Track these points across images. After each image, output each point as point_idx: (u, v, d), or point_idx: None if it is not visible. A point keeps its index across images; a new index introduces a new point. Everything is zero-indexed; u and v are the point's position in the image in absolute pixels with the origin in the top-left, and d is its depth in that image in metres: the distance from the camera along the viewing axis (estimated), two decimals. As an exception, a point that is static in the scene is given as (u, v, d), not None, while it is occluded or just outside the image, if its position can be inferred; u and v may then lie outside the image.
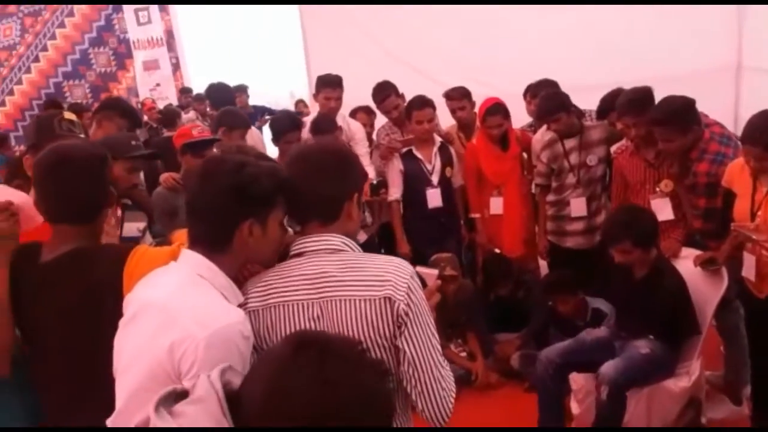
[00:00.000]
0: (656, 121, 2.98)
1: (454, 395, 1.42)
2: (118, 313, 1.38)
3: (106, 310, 1.39)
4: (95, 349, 1.39)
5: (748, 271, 2.77)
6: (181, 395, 1.03)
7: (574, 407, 3.16)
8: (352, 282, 1.35)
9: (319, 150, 1.50)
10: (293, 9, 5.14)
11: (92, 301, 1.55)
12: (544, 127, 3.83)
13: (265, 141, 5.32)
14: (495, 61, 4.81)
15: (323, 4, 5.00)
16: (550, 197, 3.82)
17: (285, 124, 3.83)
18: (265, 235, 1.38)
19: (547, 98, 3.70)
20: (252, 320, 1.37)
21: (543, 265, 4.18)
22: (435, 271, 1.67)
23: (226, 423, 0.96)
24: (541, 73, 4.20)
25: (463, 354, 3.89)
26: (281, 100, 8.22)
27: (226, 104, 4.81)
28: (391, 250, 4.13)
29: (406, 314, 1.33)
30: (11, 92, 9.60)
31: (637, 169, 3.33)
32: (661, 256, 2.99)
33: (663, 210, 3.21)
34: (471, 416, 3.33)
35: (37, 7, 9.37)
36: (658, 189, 3.24)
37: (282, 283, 1.39)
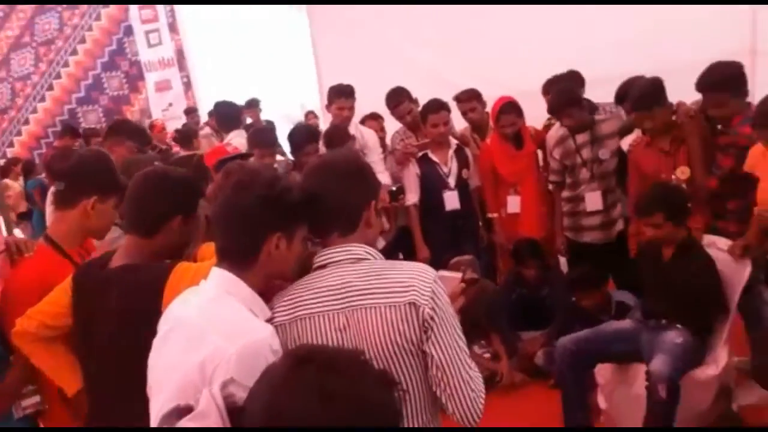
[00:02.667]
0: (710, 87, 3.00)
1: (483, 396, 1.43)
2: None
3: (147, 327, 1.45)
4: (137, 363, 1.43)
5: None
6: (185, 411, 1.05)
7: (602, 402, 3.15)
8: (376, 290, 1.37)
9: (335, 161, 1.53)
10: (302, 18, 5.20)
11: (131, 319, 1.62)
12: (558, 123, 3.84)
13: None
14: (507, 60, 4.80)
15: (330, 4, 5.02)
16: (565, 193, 3.82)
17: (304, 136, 3.88)
18: (289, 250, 1.41)
19: (558, 93, 3.71)
20: (280, 334, 1.39)
21: (562, 262, 4.18)
22: (458, 275, 1.68)
23: None
24: (553, 69, 4.20)
25: (487, 355, 3.89)
26: (293, 112, 8.26)
27: (232, 122, 4.88)
28: (410, 254, 4.14)
29: (432, 318, 1.35)
30: (26, 121, 9.78)
31: (653, 159, 3.33)
32: (691, 236, 2.98)
33: None
34: (496, 417, 3.31)
35: (50, 35, 9.55)
36: (674, 176, 3.24)
37: (308, 296, 1.41)
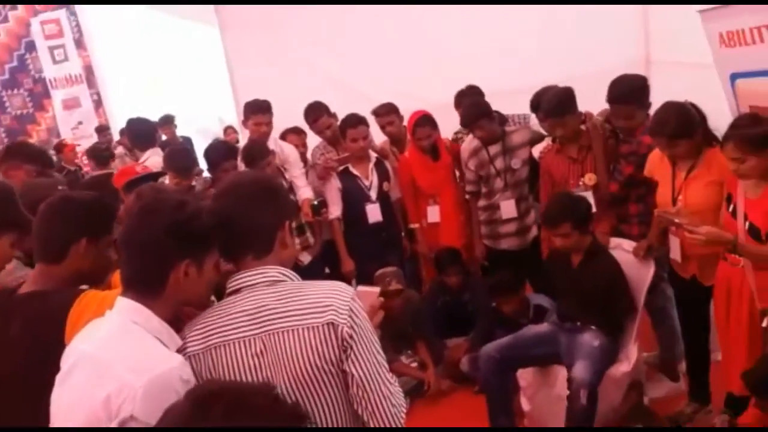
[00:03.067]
0: (619, 100, 3.14)
1: (404, 410, 1.44)
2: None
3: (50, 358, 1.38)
4: (41, 396, 1.35)
5: (675, 252, 2.95)
6: None
7: (524, 404, 3.24)
8: (294, 311, 1.35)
9: (247, 182, 1.51)
10: (215, 32, 5.09)
11: (34, 349, 1.54)
12: (471, 136, 3.96)
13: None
14: (421, 74, 4.90)
15: (241, 4, 4.92)
16: (482, 202, 3.92)
17: (221, 153, 3.80)
18: (199, 277, 1.37)
19: (470, 106, 3.82)
20: (194, 364, 1.35)
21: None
22: (376, 289, 1.70)
23: None
24: (463, 82, 4.32)
25: (414, 364, 3.93)
26: (211, 127, 8.10)
27: (146, 139, 4.72)
28: (335, 268, 4.13)
29: (351, 337, 1.34)
30: None
31: (563, 166, 3.48)
32: (596, 241, 3.11)
33: None
34: (426, 425, 3.38)
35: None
36: (581, 183, 3.39)
37: (222, 322, 1.38)
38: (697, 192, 2.76)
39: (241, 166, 3.78)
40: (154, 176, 3.18)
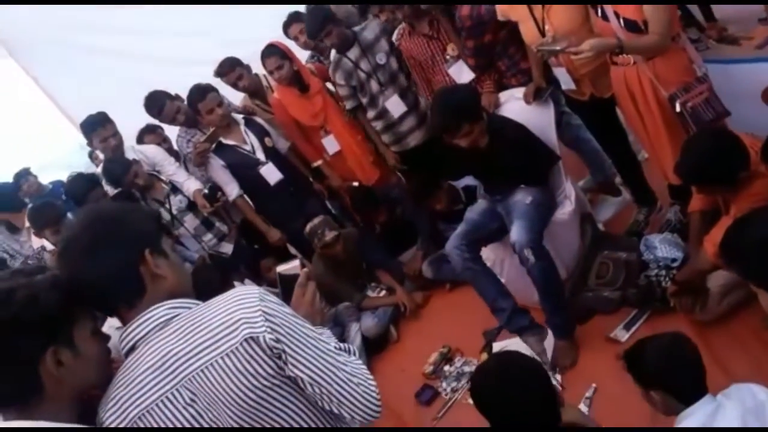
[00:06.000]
0: None
1: (372, 382, 1.29)
2: None
3: None
4: None
5: (566, 83, 2.85)
6: None
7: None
8: (202, 345, 1.16)
9: (78, 231, 1.26)
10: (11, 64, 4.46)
11: None
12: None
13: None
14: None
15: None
16: (370, 114, 3.66)
17: (82, 186, 3.44)
18: (78, 358, 1.17)
19: (311, 14, 3.49)
20: None
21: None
22: (296, 263, 1.53)
23: None
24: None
25: (383, 293, 3.84)
26: (74, 159, 7.42)
27: (11, 205, 4.28)
28: (263, 242, 3.92)
29: (278, 341, 1.17)
30: None
31: (422, 46, 3.31)
32: (491, 115, 2.93)
33: (461, 73, 3.21)
34: (425, 346, 3.28)
35: None
36: (447, 57, 3.22)
37: (132, 390, 1.19)
38: (560, 14, 2.64)
39: (111, 189, 3.44)
40: None
